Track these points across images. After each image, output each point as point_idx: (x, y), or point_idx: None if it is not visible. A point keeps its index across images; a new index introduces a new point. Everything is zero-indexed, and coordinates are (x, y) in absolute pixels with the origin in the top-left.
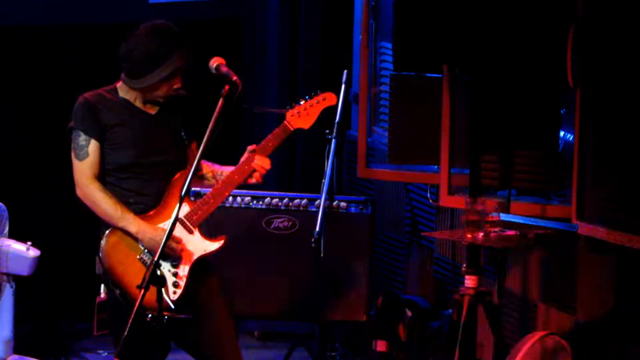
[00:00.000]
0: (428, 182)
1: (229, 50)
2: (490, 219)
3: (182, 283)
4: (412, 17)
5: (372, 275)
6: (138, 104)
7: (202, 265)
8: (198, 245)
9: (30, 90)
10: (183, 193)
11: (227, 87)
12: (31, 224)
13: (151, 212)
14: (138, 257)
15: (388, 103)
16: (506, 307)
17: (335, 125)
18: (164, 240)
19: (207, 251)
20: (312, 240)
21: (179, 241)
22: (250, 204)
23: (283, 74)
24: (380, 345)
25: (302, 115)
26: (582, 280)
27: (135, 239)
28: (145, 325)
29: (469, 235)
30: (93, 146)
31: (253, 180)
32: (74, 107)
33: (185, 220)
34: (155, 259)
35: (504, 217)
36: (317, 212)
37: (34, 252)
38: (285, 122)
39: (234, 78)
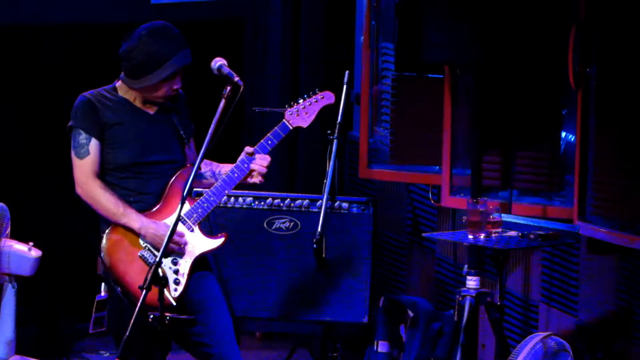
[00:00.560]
0: (430, 182)
1: (230, 51)
2: (491, 220)
3: (183, 280)
4: (414, 18)
5: (373, 276)
6: (137, 103)
7: (201, 264)
8: (199, 242)
9: (30, 90)
10: (185, 193)
11: (229, 88)
12: (32, 224)
13: (151, 211)
14: (139, 254)
15: (390, 104)
16: (508, 308)
17: (337, 125)
18: (166, 238)
19: (208, 249)
20: (314, 240)
21: (182, 236)
22: (252, 204)
23: (285, 74)
24: (382, 346)
25: (300, 114)
26: (584, 280)
27: (137, 235)
28: (147, 325)
29: (470, 236)
30: (93, 144)
31: (254, 180)
32: (74, 105)
33: (186, 218)
34: (158, 259)
35: (505, 217)
36: (319, 212)
37: (35, 253)
38: (284, 120)
39: (236, 79)
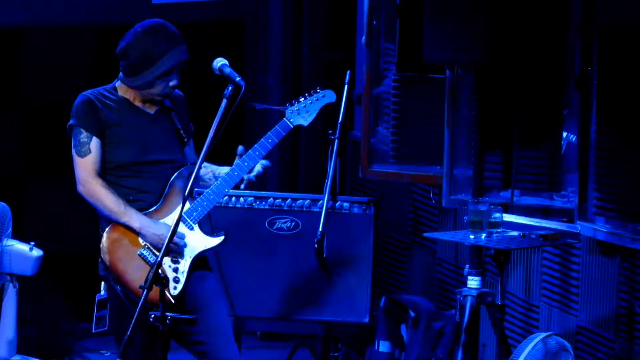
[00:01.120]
0: (431, 182)
1: (232, 51)
2: (492, 220)
3: (183, 278)
4: (415, 18)
5: (374, 276)
6: (137, 102)
7: (201, 262)
8: (198, 241)
9: (32, 90)
10: (186, 193)
11: (230, 88)
12: (33, 224)
13: (151, 210)
14: (138, 252)
15: (391, 103)
16: (509, 308)
17: (338, 125)
18: (167, 238)
19: (208, 247)
20: (315, 240)
21: (182, 237)
22: (254, 204)
23: (286, 75)
24: (383, 346)
25: (301, 112)
26: (585, 280)
27: (137, 234)
28: (148, 325)
29: (471, 236)
30: (94, 143)
31: (254, 179)
32: (74, 104)
33: (186, 217)
34: (159, 259)
35: (506, 217)
36: (320, 212)
37: (37, 252)
38: (284, 118)
39: (238, 79)
